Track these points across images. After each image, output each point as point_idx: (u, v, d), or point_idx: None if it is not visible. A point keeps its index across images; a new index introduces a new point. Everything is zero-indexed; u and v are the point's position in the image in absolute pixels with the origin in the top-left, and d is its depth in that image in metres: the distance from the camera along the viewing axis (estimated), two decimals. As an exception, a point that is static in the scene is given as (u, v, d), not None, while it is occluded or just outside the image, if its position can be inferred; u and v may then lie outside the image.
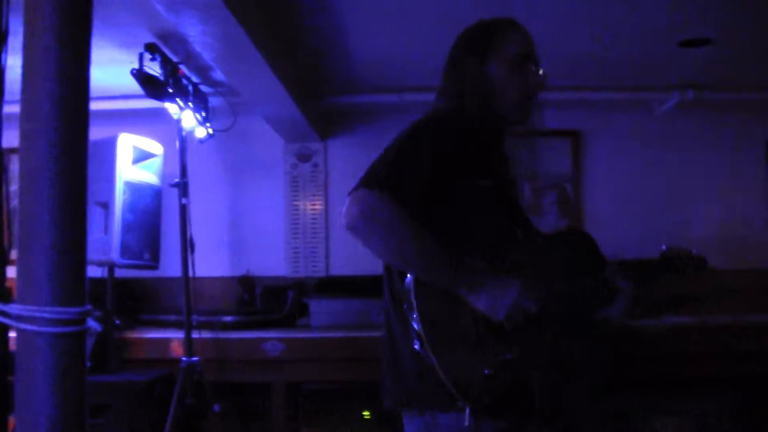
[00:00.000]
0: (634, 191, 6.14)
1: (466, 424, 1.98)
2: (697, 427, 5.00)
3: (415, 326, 1.97)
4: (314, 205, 6.39)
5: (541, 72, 2.41)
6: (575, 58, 5.19)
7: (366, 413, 5.48)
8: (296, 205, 6.41)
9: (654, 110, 5.99)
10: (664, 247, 2.49)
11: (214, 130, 5.28)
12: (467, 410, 1.97)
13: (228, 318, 5.38)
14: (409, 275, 2.04)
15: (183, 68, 4.71)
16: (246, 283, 6.06)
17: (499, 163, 2.32)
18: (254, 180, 6.44)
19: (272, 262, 6.36)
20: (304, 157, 6.40)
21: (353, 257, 6.18)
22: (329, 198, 6.40)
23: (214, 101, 5.37)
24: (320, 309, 5.55)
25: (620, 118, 6.12)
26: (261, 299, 5.99)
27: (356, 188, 2.02)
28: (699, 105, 5.77)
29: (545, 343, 2.14)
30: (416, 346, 1.98)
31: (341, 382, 5.37)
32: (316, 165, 6.40)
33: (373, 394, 5.32)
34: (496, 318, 2.02)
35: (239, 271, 6.21)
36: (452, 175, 2.11)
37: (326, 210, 6.39)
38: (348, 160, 6.43)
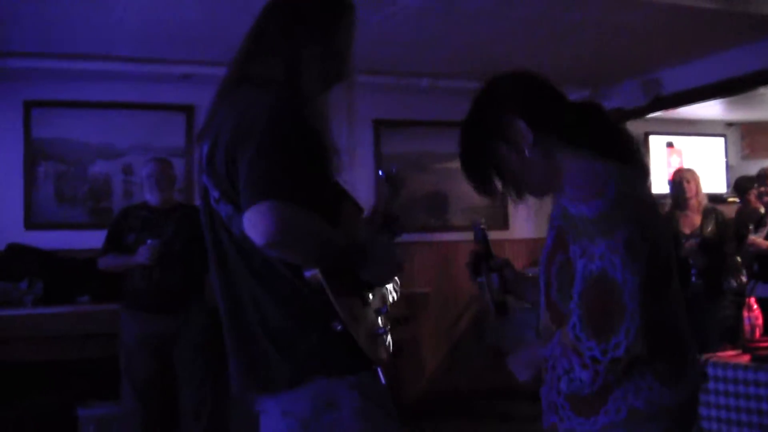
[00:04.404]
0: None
1: (383, 382, 2.07)
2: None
3: (336, 309, 1.93)
4: None
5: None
6: (185, 31, 5.24)
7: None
8: None
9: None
10: None
11: None
12: (378, 370, 2.07)
13: None
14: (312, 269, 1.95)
15: None
16: None
17: None
18: None
19: None
20: None
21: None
22: None
23: None
24: None
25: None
26: None
27: (258, 200, 1.82)
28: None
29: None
30: (339, 328, 1.94)
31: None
32: None
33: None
34: (382, 283, 2.19)
35: None
36: (321, 161, 2.02)
37: None
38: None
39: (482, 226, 2.34)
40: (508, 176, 2.00)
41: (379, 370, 2.08)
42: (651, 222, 1.78)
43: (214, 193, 2.04)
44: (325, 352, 1.98)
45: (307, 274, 1.93)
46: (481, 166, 2.02)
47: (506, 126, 1.92)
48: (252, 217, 1.82)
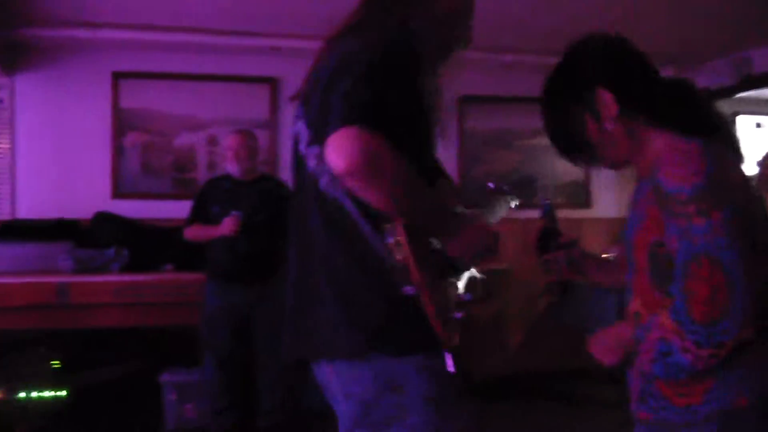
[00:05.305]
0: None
1: (452, 369, 1.87)
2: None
3: (411, 270, 1.74)
4: (-2, 143, 6.00)
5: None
6: (272, 4, 5.26)
7: (56, 362, 5.30)
8: (-22, 143, 5.98)
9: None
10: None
11: None
12: (447, 354, 1.87)
13: None
14: (392, 221, 1.76)
15: None
16: None
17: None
18: (-72, 115, 5.91)
19: (-49, 203, 5.91)
20: (-13, 92, 5.98)
21: (41, 199, 5.92)
22: (16, 136, 6.03)
23: None
24: (3, 254, 5.28)
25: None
26: (-63, 244, 5.57)
27: (347, 123, 1.64)
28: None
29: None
30: (410, 291, 1.75)
31: (26, 330, 5.16)
32: (0, 100, 5.99)
33: (58, 341, 5.19)
34: (469, 262, 2.00)
35: None
36: (418, 108, 1.86)
37: (12, 149, 6.01)
38: (38, 97, 6.08)
39: (549, 203, 2.26)
40: (585, 144, 1.93)
41: (448, 355, 1.88)
42: (746, 203, 1.71)
43: (305, 134, 1.93)
44: (393, 321, 1.83)
45: (390, 239, 1.77)
46: (562, 126, 1.95)
47: (590, 94, 1.85)
48: (336, 141, 1.64)
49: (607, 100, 1.83)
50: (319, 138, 1.80)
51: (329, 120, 1.69)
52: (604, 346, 1.94)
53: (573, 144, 1.95)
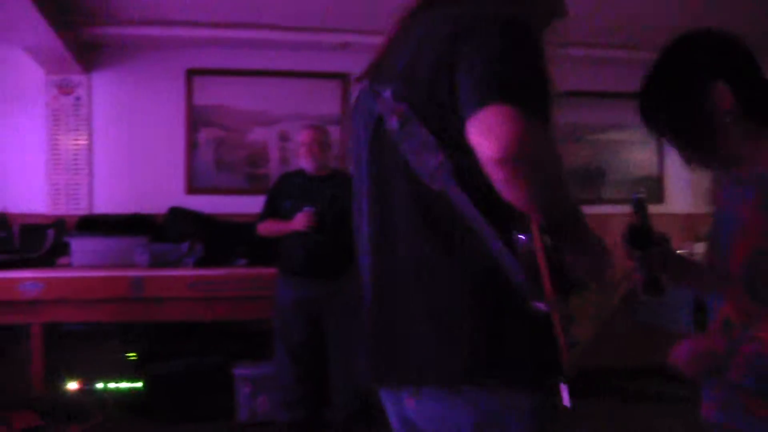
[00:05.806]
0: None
1: (568, 404, 1.54)
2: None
3: (543, 284, 1.43)
4: (77, 139, 6.13)
5: None
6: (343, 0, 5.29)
7: (132, 354, 5.41)
8: (57, 139, 6.12)
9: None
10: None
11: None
12: (564, 388, 1.54)
13: (-21, 257, 5.13)
14: (528, 224, 1.45)
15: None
16: (1, 220, 5.75)
17: None
18: (10, 112, 6.07)
19: (31, 198, 6.06)
20: (65, 90, 6.11)
21: (117, 195, 6.06)
22: (93, 132, 6.17)
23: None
24: (81, 248, 5.39)
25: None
26: (19, 238, 5.72)
27: (498, 101, 1.36)
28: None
29: None
30: (541, 307, 1.44)
31: (103, 323, 5.28)
32: (78, 98, 6.13)
33: (134, 334, 5.29)
34: (594, 278, 1.60)
35: (-6, 209, 5.87)
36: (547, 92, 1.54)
37: (90, 145, 6.15)
38: (114, 94, 6.22)
39: (640, 197, 2.06)
40: (686, 138, 1.85)
41: (564, 387, 1.54)
42: None
43: (393, 112, 1.59)
44: (510, 345, 1.52)
45: (523, 245, 1.45)
46: (662, 118, 1.87)
47: (708, 86, 1.78)
48: (487, 120, 1.34)
49: (724, 95, 1.77)
50: (425, 118, 1.54)
51: (470, 96, 1.42)
52: (684, 357, 1.87)
53: (666, 131, 1.88)
